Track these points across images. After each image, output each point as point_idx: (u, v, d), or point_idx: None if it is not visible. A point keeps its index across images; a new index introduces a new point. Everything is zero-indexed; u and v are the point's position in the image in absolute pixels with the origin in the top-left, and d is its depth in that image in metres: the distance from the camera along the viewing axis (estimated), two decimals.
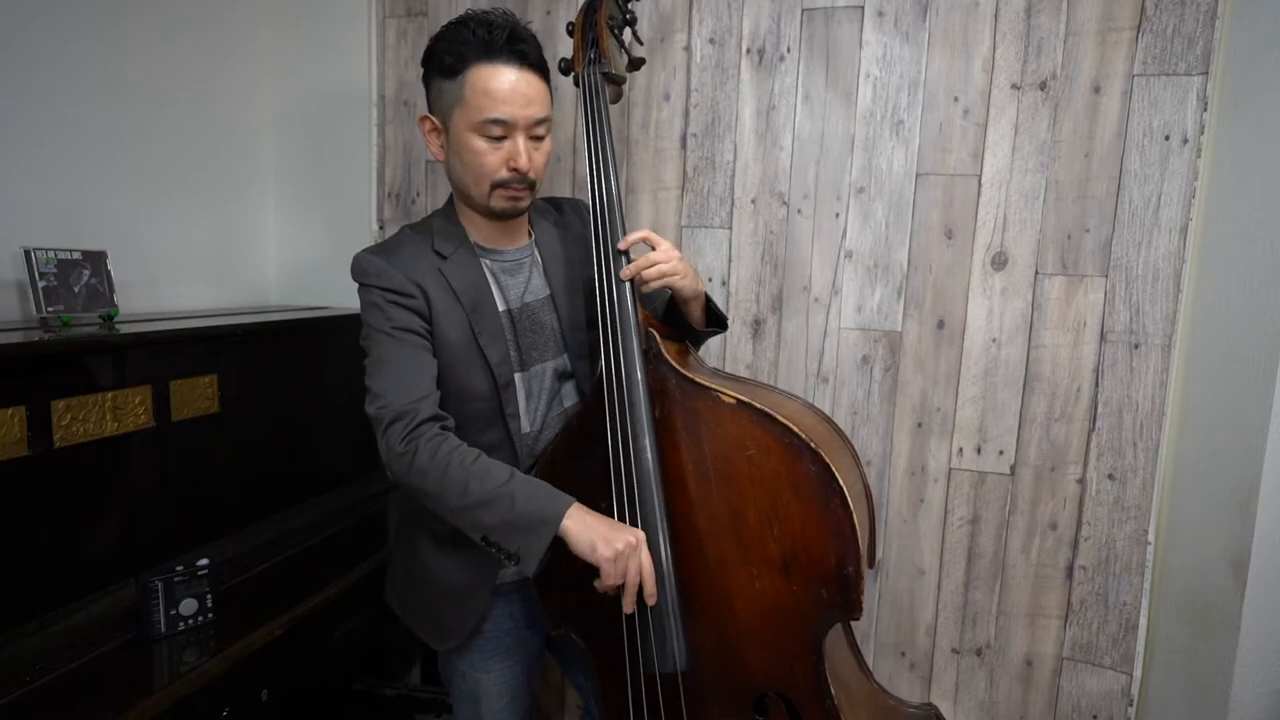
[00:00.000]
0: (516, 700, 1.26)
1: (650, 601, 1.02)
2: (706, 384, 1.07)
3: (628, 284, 1.11)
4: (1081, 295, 1.50)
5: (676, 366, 1.09)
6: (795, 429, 1.02)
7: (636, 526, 1.05)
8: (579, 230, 1.27)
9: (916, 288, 1.58)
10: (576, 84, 1.23)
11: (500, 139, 1.07)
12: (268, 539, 1.50)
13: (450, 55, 1.06)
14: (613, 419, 1.07)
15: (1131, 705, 1.56)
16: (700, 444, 1.06)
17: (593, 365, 1.26)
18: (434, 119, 1.12)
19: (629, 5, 1.31)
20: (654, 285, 1.12)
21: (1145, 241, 1.46)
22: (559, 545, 1.00)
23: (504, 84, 1.05)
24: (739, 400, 1.05)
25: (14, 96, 1.34)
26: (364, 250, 1.13)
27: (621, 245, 1.12)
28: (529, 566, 0.99)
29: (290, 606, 1.27)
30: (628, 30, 1.32)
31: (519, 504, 0.99)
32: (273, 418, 1.57)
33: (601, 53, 1.20)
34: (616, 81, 1.27)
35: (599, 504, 1.07)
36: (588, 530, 0.98)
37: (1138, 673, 1.55)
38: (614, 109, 1.26)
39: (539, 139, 1.10)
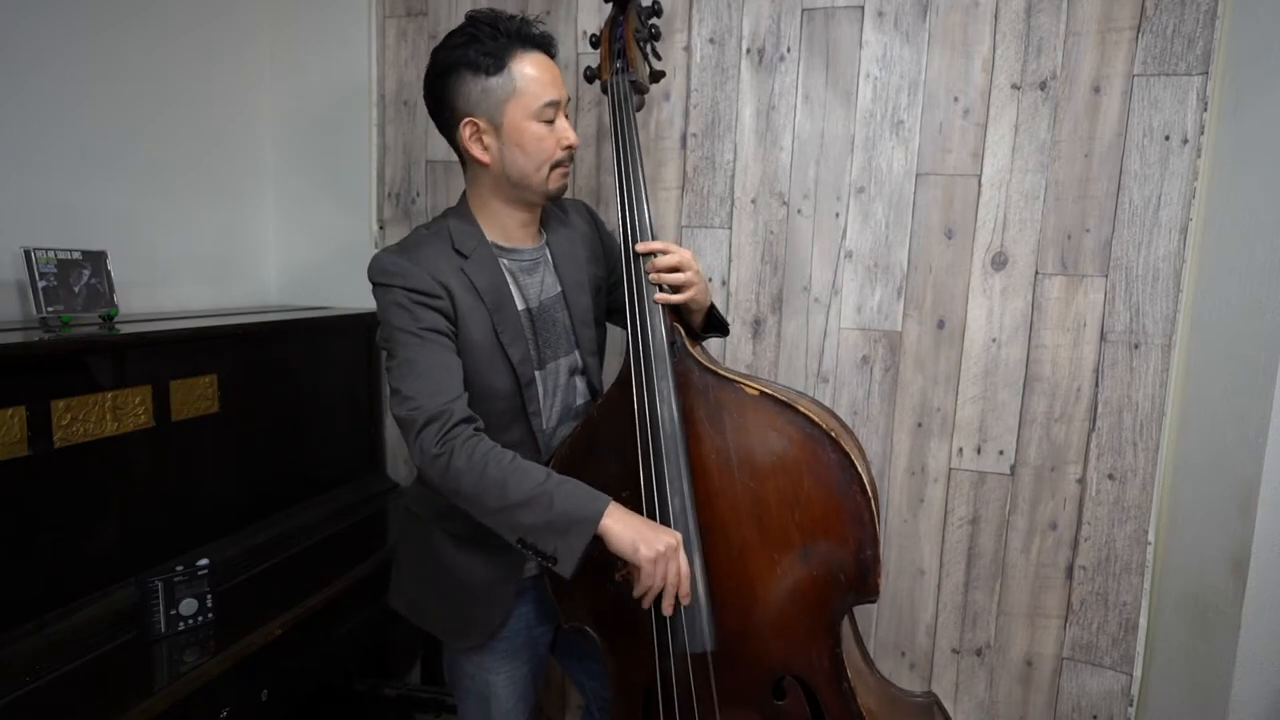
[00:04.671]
0: (524, 700, 1.27)
1: (685, 602, 1.03)
2: (730, 376, 1.11)
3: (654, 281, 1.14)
4: (1081, 295, 1.50)
5: (699, 359, 1.12)
6: (816, 419, 1.06)
7: (666, 514, 1.07)
8: (584, 229, 1.30)
9: (916, 288, 1.58)
10: (604, 91, 1.28)
11: (552, 121, 1.12)
12: (268, 539, 1.50)
13: (488, 54, 1.08)
14: (641, 411, 1.10)
15: (1131, 705, 1.56)
16: (724, 434, 1.10)
17: (601, 360, 1.29)
18: (479, 121, 1.11)
19: (650, 21, 1.35)
20: (670, 300, 1.15)
21: (1145, 241, 1.46)
22: (593, 545, 1.00)
23: (547, 69, 1.11)
24: (762, 391, 1.09)
25: (14, 96, 1.34)
26: (384, 250, 1.12)
27: (639, 249, 1.15)
28: (567, 567, 0.99)
29: (290, 606, 1.27)
30: (649, 44, 1.38)
31: (558, 504, 0.99)
32: (273, 418, 1.57)
33: (629, 62, 1.26)
34: (641, 91, 1.32)
35: (621, 494, 1.08)
36: (629, 529, 0.99)
37: (1138, 673, 1.55)
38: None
39: (567, 117, 1.17)
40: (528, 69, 1.09)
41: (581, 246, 1.27)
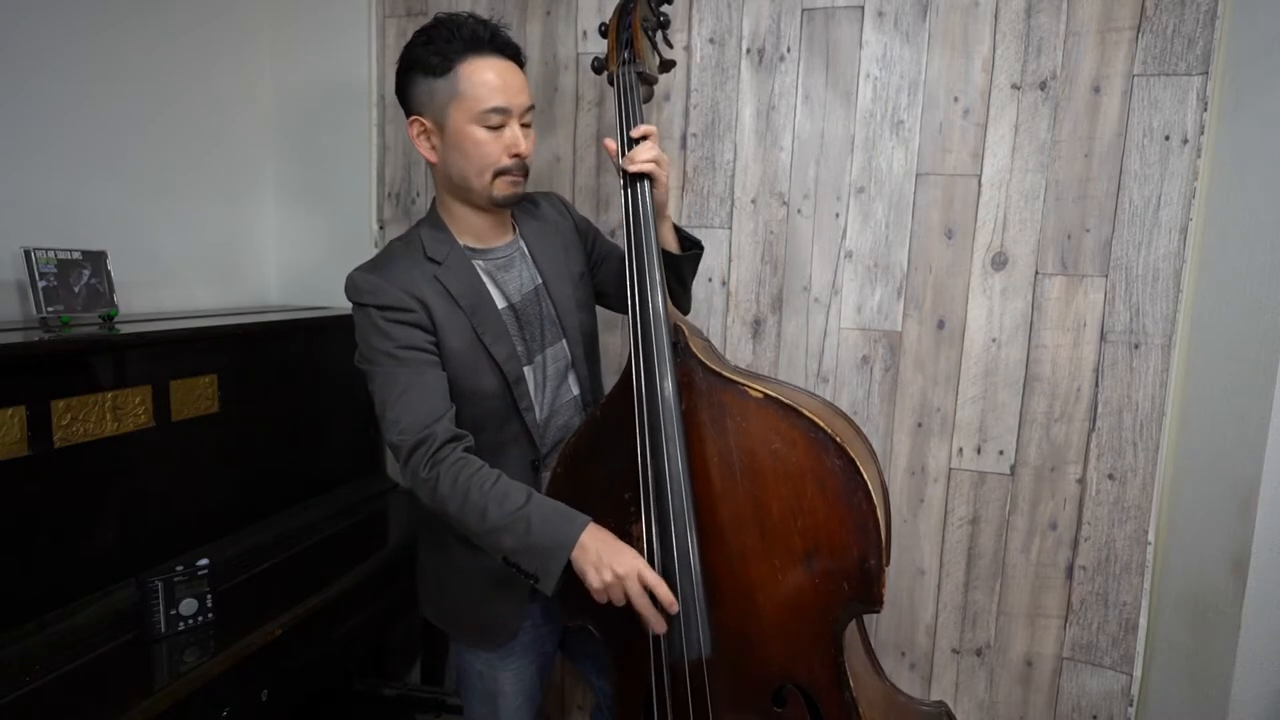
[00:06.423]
0: (531, 699, 1.28)
1: (658, 631, 1.04)
2: (733, 378, 1.08)
3: (658, 280, 1.11)
4: (1081, 295, 1.50)
5: (703, 360, 1.10)
6: (821, 423, 1.03)
7: (665, 516, 1.06)
8: (556, 218, 1.31)
9: (916, 288, 1.58)
10: (611, 82, 1.25)
11: (499, 128, 1.10)
12: (268, 539, 1.50)
13: (438, 55, 1.08)
14: (641, 412, 1.08)
15: (1131, 705, 1.56)
16: (726, 437, 1.08)
17: (588, 347, 1.29)
18: (424, 121, 1.13)
19: (661, 8, 1.33)
20: (640, 167, 1.12)
21: (1145, 241, 1.46)
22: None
23: (497, 75, 1.09)
24: (765, 394, 1.06)
25: (14, 96, 1.34)
26: (357, 268, 1.13)
27: (635, 133, 1.15)
28: (547, 587, 1.01)
29: (290, 606, 1.27)
30: (659, 33, 1.35)
31: (534, 529, 1.01)
32: (273, 418, 1.57)
33: (636, 53, 1.23)
34: (649, 81, 1.30)
35: (623, 495, 1.09)
36: (584, 556, 1.01)
37: (1138, 673, 1.55)
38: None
39: (527, 126, 1.14)
40: (475, 74, 1.08)
41: (556, 236, 1.28)
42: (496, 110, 1.08)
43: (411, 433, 1.05)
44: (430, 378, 1.09)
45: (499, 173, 1.12)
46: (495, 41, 1.10)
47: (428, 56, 1.09)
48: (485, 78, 1.08)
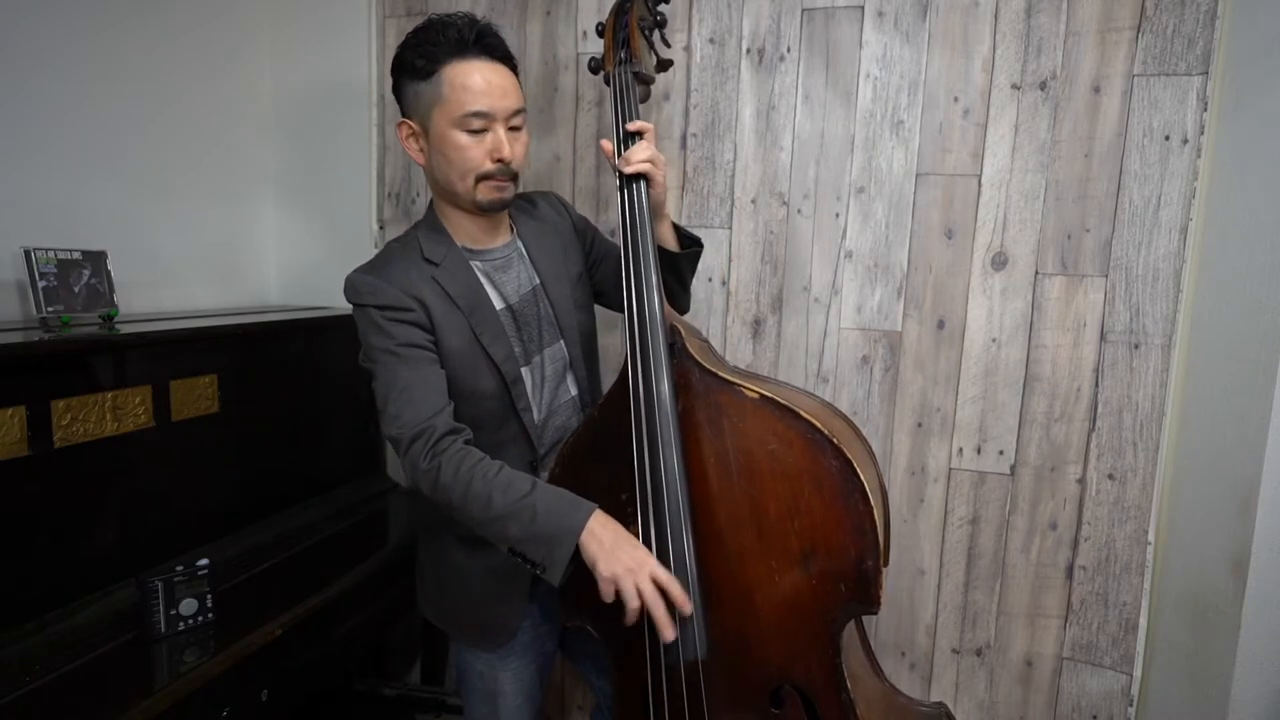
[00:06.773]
0: (531, 699, 1.28)
1: (668, 640, 0.99)
2: (729, 378, 1.08)
3: (654, 282, 1.11)
4: (1081, 295, 1.50)
5: (699, 360, 1.10)
6: (818, 424, 1.03)
7: (661, 517, 1.06)
8: (554, 218, 1.31)
9: (916, 288, 1.58)
10: (607, 82, 1.25)
11: (481, 132, 1.09)
12: (268, 539, 1.50)
13: (422, 58, 1.08)
14: (638, 413, 1.08)
15: (1131, 705, 1.56)
16: (723, 438, 1.07)
17: (586, 348, 1.29)
18: (411, 124, 1.13)
19: (658, 8, 1.33)
20: (635, 168, 1.12)
21: (1145, 241, 1.46)
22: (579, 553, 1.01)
23: (480, 78, 1.08)
24: (762, 395, 1.05)
25: (13, 96, 1.34)
26: (355, 270, 1.13)
27: (631, 127, 1.16)
28: (554, 576, 1.00)
29: (290, 606, 1.27)
30: (656, 32, 1.34)
31: (541, 516, 1.00)
32: (273, 418, 1.57)
33: (632, 53, 1.22)
34: (646, 81, 1.30)
35: (620, 496, 1.08)
36: (595, 544, 0.99)
37: (1138, 673, 1.55)
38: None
39: (516, 129, 1.13)
40: (458, 77, 1.07)
41: (554, 236, 1.28)
42: (477, 114, 1.07)
43: (411, 426, 1.05)
44: (430, 374, 1.09)
45: (481, 177, 1.11)
46: (481, 44, 1.09)
47: (413, 59, 1.08)
48: (467, 81, 1.07)
